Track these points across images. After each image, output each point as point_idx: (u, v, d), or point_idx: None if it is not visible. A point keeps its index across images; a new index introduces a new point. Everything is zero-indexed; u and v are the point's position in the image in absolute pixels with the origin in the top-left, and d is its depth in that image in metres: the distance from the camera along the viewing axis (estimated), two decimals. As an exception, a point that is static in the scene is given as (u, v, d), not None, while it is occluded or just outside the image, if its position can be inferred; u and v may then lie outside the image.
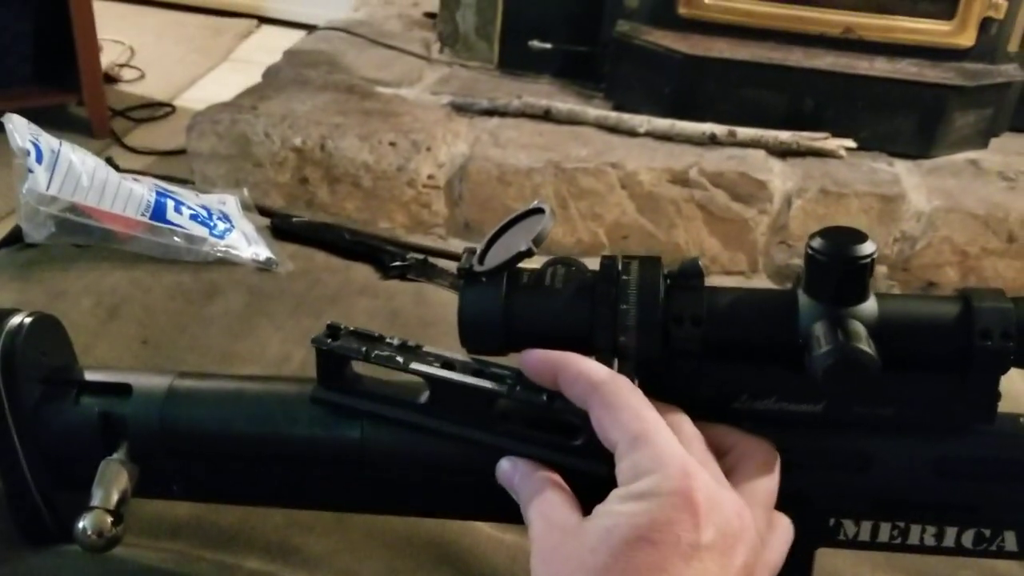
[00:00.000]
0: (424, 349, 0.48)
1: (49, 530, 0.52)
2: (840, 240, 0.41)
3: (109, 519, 0.46)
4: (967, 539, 0.46)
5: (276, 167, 1.52)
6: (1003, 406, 0.44)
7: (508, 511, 0.45)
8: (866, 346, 0.40)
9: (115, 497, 0.47)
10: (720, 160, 1.50)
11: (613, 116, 1.61)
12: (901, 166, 1.55)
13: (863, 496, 0.46)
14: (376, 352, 0.47)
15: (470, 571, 0.60)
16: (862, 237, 0.41)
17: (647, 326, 0.43)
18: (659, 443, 0.39)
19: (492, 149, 1.53)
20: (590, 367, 0.43)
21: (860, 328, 0.41)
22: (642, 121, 1.59)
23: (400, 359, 0.47)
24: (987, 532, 0.46)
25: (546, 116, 1.62)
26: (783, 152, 1.55)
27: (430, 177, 1.51)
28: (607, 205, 1.49)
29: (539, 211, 0.47)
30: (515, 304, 0.45)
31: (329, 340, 0.48)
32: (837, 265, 0.41)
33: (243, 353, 0.71)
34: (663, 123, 1.58)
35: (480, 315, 0.45)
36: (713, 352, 0.44)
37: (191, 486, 0.52)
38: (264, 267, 0.82)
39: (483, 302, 0.45)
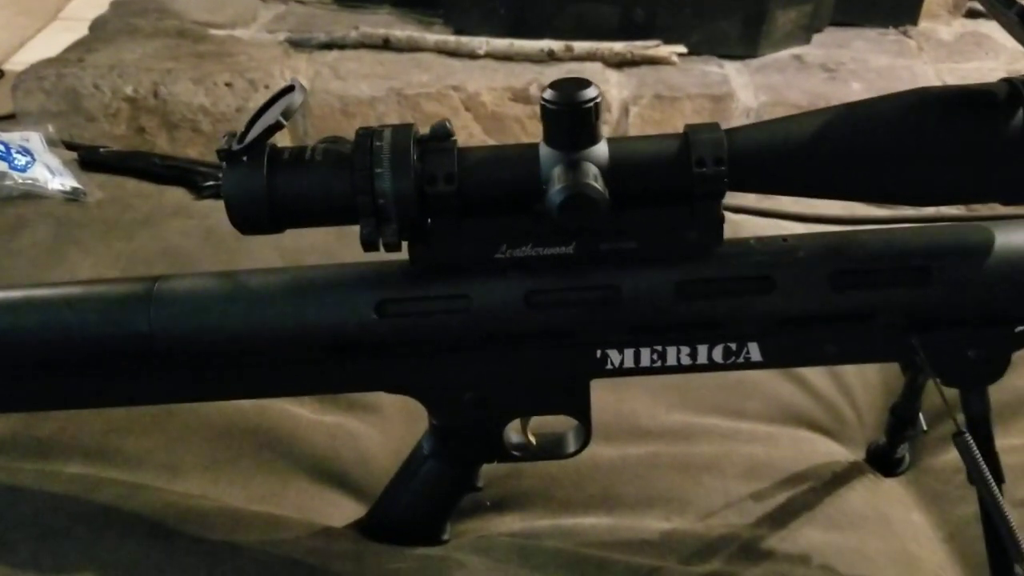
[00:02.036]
0: None
1: None
2: (567, 89, 0.45)
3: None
4: (717, 354, 0.51)
5: (110, 119, 1.48)
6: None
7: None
8: (594, 181, 0.44)
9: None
10: (559, 75, 1.52)
11: (452, 40, 1.62)
12: (730, 67, 1.61)
13: (619, 325, 0.50)
14: None
15: (291, 453, 0.62)
16: (586, 83, 0.45)
17: (403, 187, 0.46)
18: None
19: (333, 82, 1.52)
20: None
21: (590, 167, 0.45)
22: (481, 43, 1.60)
23: None
24: (733, 346, 0.50)
25: (385, 45, 1.62)
26: (619, 63, 1.59)
27: (272, 115, 1.49)
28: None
29: (291, 89, 0.49)
30: (277, 180, 0.47)
31: None
32: (565, 111, 0.44)
33: (54, 281, 0.71)
34: (502, 43, 1.60)
35: (244, 193, 0.47)
36: (470, 208, 0.47)
37: None
38: (72, 197, 0.81)
39: (246, 181, 0.47)
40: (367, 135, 0.47)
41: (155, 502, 0.56)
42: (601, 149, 0.46)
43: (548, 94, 0.45)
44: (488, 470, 0.58)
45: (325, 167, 0.47)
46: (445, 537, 0.60)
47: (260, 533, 0.55)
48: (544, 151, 0.46)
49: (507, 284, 0.49)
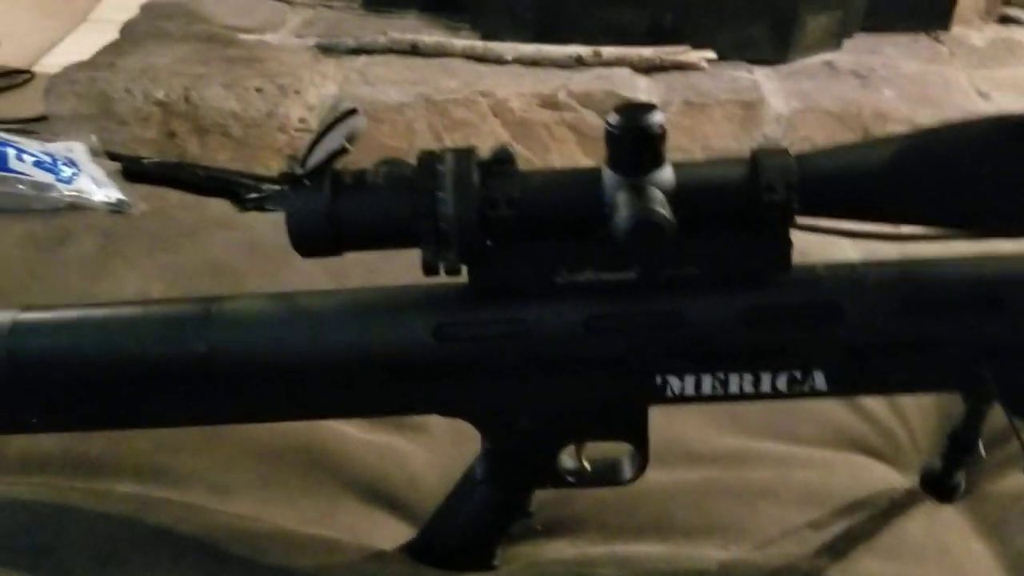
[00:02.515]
0: None
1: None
2: (632, 114, 0.44)
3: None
4: (781, 383, 0.50)
5: (141, 123, 1.48)
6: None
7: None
8: (661, 208, 0.43)
9: (-30, 435, 0.47)
10: (587, 81, 1.53)
11: (480, 45, 1.61)
12: (760, 72, 1.60)
13: (680, 351, 0.49)
14: None
15: (341, 473, 0.62)
16: (651, 108, 0.44)
17: (465, 212, 0.45)
18: None
19: (362, 88, 1.52)
20: None
21: (656, 193, 0.44)
22: (509, 48, 1.59)
23: None
24: (798, 374, 0.49)
25: (414, 51, 1.61)
26: (647, 68, 1.58)
27: (301, 120, 1.49)
28: (481, 134, 1.50)
29: (353, 112, 0.48)
30: (340, 203, 0.46)
31: None
32: (630, 136, 0.44)
33: (100, 294, 0.71)
34: (529, 48, 1.59)
35: (307, 217, 0.47)
36: (531, 232, 0.46)
37: (49, 417, 0.52)
38: (117, 209, 0.81)
39: (308, 204, 0.46)
40: (429, 159, 0.46)
41: (208, 524, 0.55)
42: (666, 173, 0.45)
43: (613, 119, 0.44)
44: (538, 494, 0.57)
45: (387, 191, 0.47)
46: (495, 562, 0.59)
47: (314, 557, 0.55)
48: (607, 175, 0.46)
49: (567, 309, 0.48)
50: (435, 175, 0.45)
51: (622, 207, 0.44)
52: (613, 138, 0.44)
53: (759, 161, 0.45)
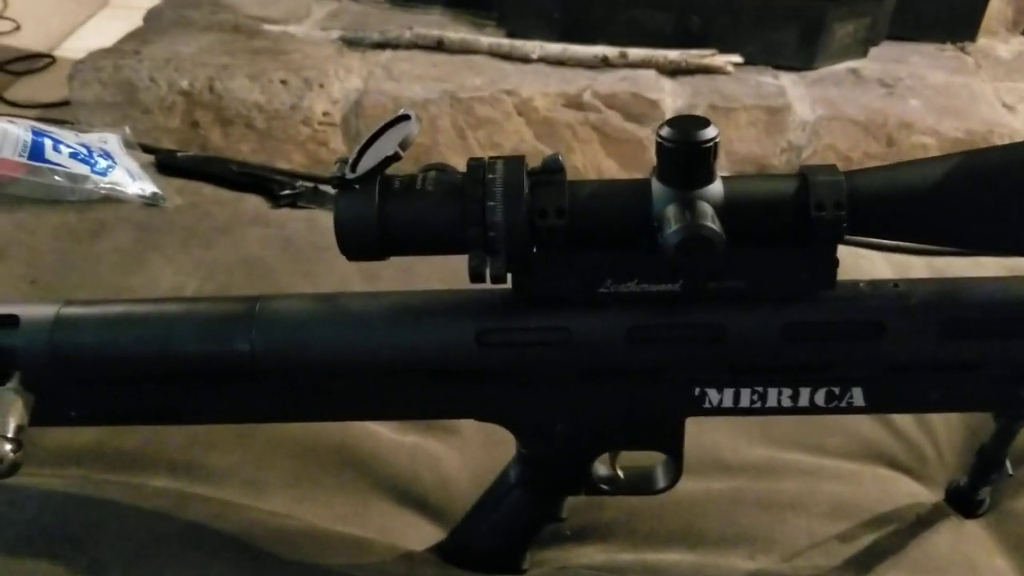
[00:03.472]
0: None
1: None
2: (685, 127, 0.44)
3: (8, 445, 0.47)
4: (819, 398, 0.50)
5: (165, 112, 1.49)
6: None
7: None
8: (711, 223, 0.43)
9: (12, 424, 0.47)
10: (613, 82, 1.53)
11: (506, 43, 1.61)
12: (786, 78, 1.60)
13: (721, 364, 0.49)
14: None
15: (373, 472, 0.62)
16: (705, 123, 0.44)
17: (513, 220, 0.45)
18: None
19: (386, 83, 1.52)
20: None
21: (706, 207, 0.44)
22: (535, 47, 1.60)
23: None
24: (837, 390, 0.50)
25: (439, 47, 1.61)
26: (673, 71, 1.58)
27: (325, 114, 1.49)
28: (505, 133, 1.51)
29: (406, 118, 0.48)
30: (389, 208, 0.46)
31: None
32: (683, 150, 0.44)
33: (135, 287, 0.71)
34: (555, 48, 1.59)
35: (356, 221, 0.47)
36: (577, 241, 0.47)
37: (88, 411, 0.53)
38: (151, 202, 0.81)
39: (358, 208, 0.47)
40: (479, 166, 0.46)
41: (242, 521, 0.56)
42: (716, 188, 0.45)
43: (666, 132, 0.44)
44: (569, 500, 0.57)
45: (436, 198, 0.47)
46: (525, 566, 0.59)
47: (346, 556, 0.55)
48: (657, 188, 0.46)
49: (610, 319, 0.49)
50: (485, 183, 0.46)
51: (672, 220, 0.44)
52: (665, 151, 0.44)
53: (808, 178, 0.45)
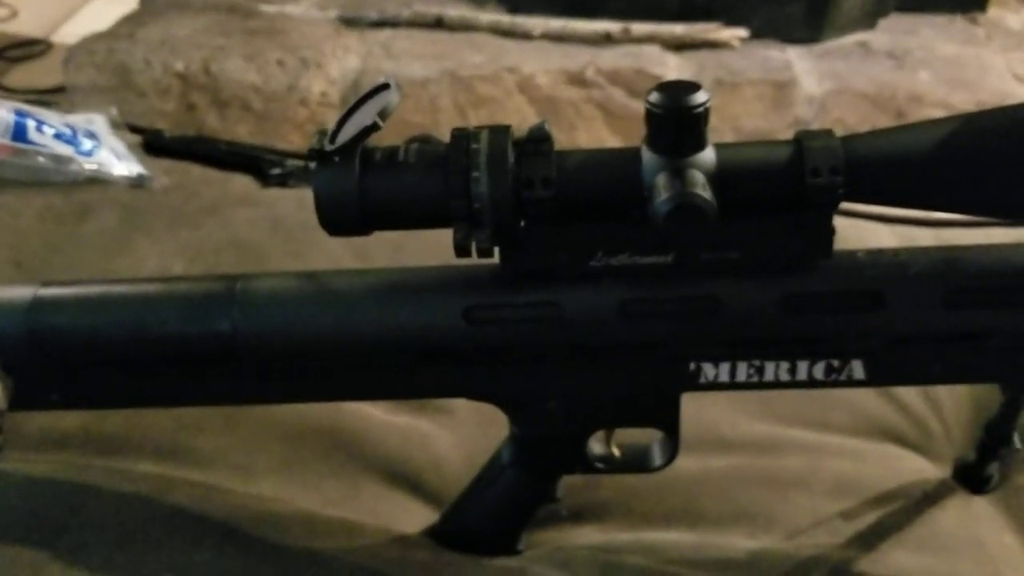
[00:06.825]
0: None
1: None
2: (674, 92, 0.42)
3: (-13, 430, 0.46)
4: (818, 371, 0.48)
5: (160, 95, 1.47)
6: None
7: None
8: (702, 191, 0.41)
9: (-9, 407, 0.47)
10: (616, 58, 1.50)
11: (507, 20, 1.59)
12: (793, 52, 1.57)
13: (716, 338, 0.47)
14: None
15: (363, 455, 0.61)
16: (695, 87, 0.42)
17: (499, 192, 0.44)
18: None
19: (385, 62, 1.50)
20: None
21: (698, 175, 0.42)
22: (536, 23, 1.57)
23: None
24: (836, 363, 0.48)
25: (438, 24, 1.59)
26: (677, 46, 1.56)
27: (323, 95, 1.47)
28: (506, 111, 1.49)
29: (386, 87, 0.47)
30: (369, 180, 0.45)
31: None
32: (672, 115, 0.42)
33: (121, 270, 0.70)
34: (557, 24, 1.57)
35: (336, 195, 0.45)
36: (566, 213, 0.45)
37: (70, 394, 0.51)
38: (137, 183, 0.80)
39: (337, 181, 0.45)
40: (463, 136, 0.45)
41: (229, 505, 0.55)
42: (708, 155, 0.44)
43: (654, 97, 0.43)
44: (565, 479, 0.56)
45: (419, 170, 0.45)
46: (520, 547, 0.58)
47: (337, 540, 0.54)
48: (647, 156, 0.44)
49: (601, 293, 0.47)
50: (469, 153, 0.44)
51: (662, 189, 0.42)
52: (654, 117, 0.42)
53: (804, 144, 0.43)
